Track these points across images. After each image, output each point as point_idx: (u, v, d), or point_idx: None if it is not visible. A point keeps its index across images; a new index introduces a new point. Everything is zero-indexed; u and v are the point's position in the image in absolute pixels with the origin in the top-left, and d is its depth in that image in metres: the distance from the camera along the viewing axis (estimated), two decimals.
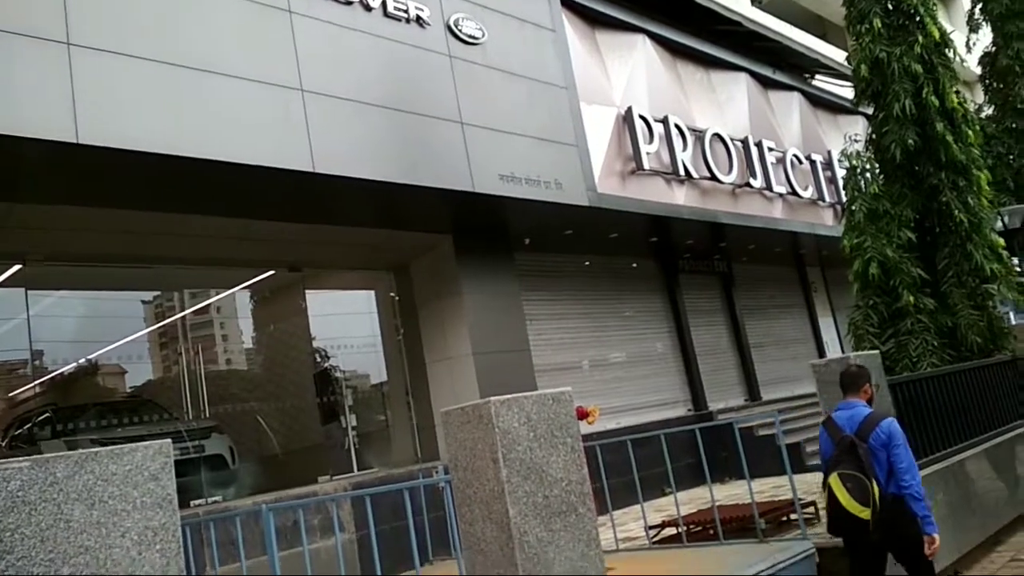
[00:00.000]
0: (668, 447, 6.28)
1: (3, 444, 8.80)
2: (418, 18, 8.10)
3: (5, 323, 9.03)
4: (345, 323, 11.02)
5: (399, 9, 7.91)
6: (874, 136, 9.03)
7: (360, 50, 7.51)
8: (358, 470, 9.07)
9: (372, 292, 10.45)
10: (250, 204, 7.40)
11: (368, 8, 7.68)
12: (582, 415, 6.13)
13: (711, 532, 6.30)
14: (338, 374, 10.43)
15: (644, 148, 10.13)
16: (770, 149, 12.40)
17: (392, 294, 10.08)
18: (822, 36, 17.30)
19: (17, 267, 7.63)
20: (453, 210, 8.82)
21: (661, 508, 7.92)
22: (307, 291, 10.30)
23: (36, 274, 7.90)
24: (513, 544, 3.22)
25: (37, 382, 10.05)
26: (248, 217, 7.67)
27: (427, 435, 9.28)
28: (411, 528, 4.38)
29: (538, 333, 10.06)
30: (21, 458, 2.10)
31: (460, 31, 8.49)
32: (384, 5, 7.80)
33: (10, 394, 10.37)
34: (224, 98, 6.36)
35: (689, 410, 12.01)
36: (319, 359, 10.84)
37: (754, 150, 12.02)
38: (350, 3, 7.52)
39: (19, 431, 8.72)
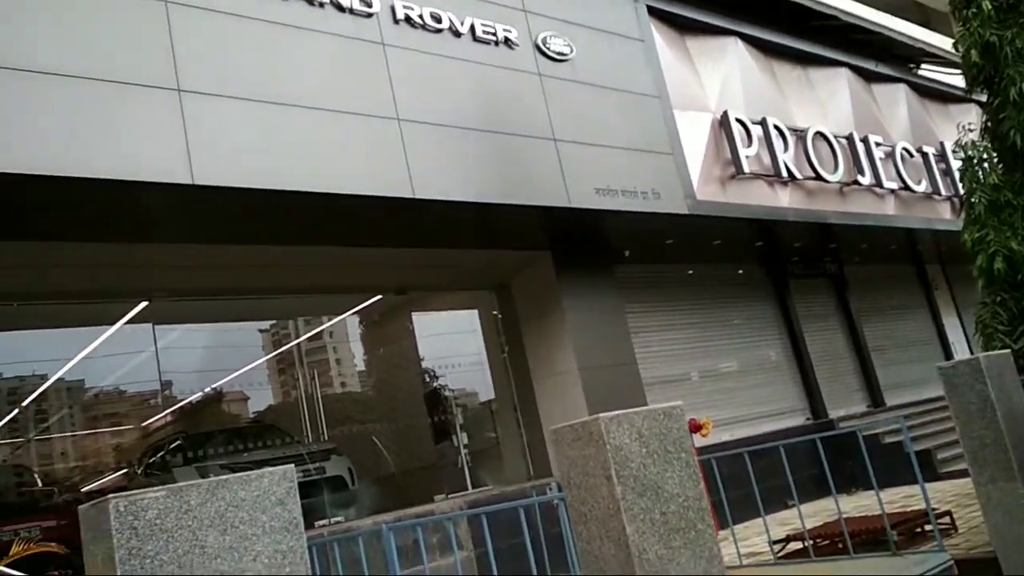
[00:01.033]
0: (788, 458, 6.07)
1: (139, 472, 9.33)
2: (506, 40, 8.19)
3: (135, 357, 9.61)
4: (451, 343, 11.21)
5: (487, 32, 8.03)
6: (990, 124, 8.50)
7: (452, 75, 7.65)
8: (472, 488, 9.16)
9: (475, 311, 10.58)
10: (355, 232, 7.64)
11: (457, 34, 7.82)
12: (695, 428, 6.01)
13: (840, 546, 6.04)
14: (447, 393, 10.60)
15: (743, 152, 9.91)
16: (877, 144, 11.90)
17: (495, 312, 10.17)
18: (925, 24, 16.50)
19: (144, 304, 8.11)
20: (550, 226, 8.85)
21: (784, 522, 7.65)
22: (413, 313, 10.54)
23: (162, 309, 8.37)
24: (633, 562, 3.17)
25: (167, 412, 10.63)
26: (354, 245, 7.91)
27: (538, 452, 9.29)
28: (528, 546, 4.38)
29: (644, 346, 9.94)
30: (157, 487, 2.22)
31: (548, 49, 8.53)
32: (473, 30, 7.92)
33: (143, 424, 11.00)
34: (325, 132, 6.59)
35: (808, 419, 11.59)
36: (428, 379, 11.06)
37: (860, 146, 11.56)
38: (439, 31, 7.68)
39: (153, 459, 9.22)
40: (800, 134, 10.82)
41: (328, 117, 6.64)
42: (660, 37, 9.95)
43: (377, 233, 7.80)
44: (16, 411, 9.85)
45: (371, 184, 6.77)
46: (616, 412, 3.40)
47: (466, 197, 7.38)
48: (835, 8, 12.20)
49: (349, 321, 11.64)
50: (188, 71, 5.86)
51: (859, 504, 8.22)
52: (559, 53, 8.62)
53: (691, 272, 11.24)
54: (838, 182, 11.06)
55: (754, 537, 7.52)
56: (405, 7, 7.41)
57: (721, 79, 10.51)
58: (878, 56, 13.31)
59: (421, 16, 7.51)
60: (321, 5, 6.82)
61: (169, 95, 5.72)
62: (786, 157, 10.42)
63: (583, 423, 3.44)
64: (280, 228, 7.11)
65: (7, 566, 3.46)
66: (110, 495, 2.15)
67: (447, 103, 7.52)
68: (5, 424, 9.73)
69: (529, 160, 7.96)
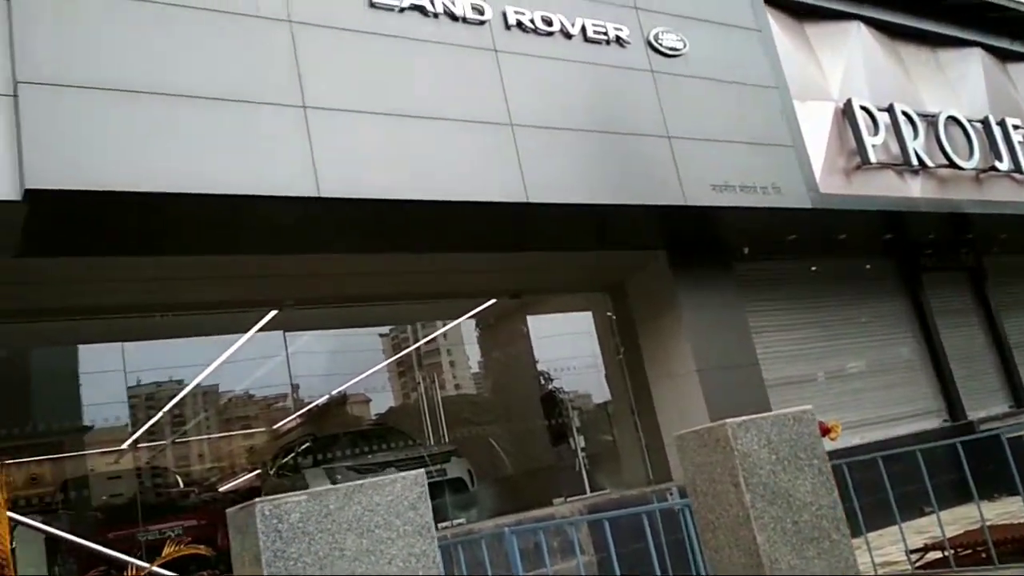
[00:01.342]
0: (924, 462, 5.76)
1: (271, 473, 9.78)
2: (618, 38, 8.12)
3: (266, 363, 10.09)
4: (566, 345, 11.21)
5: (598, 32, 7.98)
6: None
7: (564, 77, 7.65)
8: (590, 491, 9.12)
9: (590, 313, 10.54)
10: (471, 238, 7.75)
11: (568, 36, 7.81)
12: (823, 431, 5.79)
13: (983, 555, 5.68)
14: (563, 395, 10.60)
15: (869, 141, 9.46)
16: (1016, 127, 11.11)
17: (609, 313, 10.11)
18: None
19: (274, 312, 8.51)
20: (665, 225, 8.71)
21: (921, 529, 7.26)
22: (528, 316, 10.60)
23: (291, 317, 8.75)
24: (764, 572, 3.09)
25: (296, 415, 11.09)
26: (469, 251, 8.04)
27: (657, 455, 9.16)
28: (652, 552, 4.33)
29: (766, 346, 9.64)
30: (300, 492, 2.31)
31: (661, 45, 8.41)
32: (584, 31, 7.89)
33: (274, 426, 11.53)
34: (441, 141, 6.71)
35: (945, 421, 10.96)
36: (544, 381, 11.09)
37: (996, 130, 10.83)
38: (551, 34, 7.68)
39: (284, 460, 9.65)
40: (931, 120, 10.24)
41: (444, 126, 6.76)
42: (777, 25, 9.63)
43: (492, 238, 7.89)
44: (158, 415, 10.50)
45: (486, 190, 6.85)
46: (743, 417, 3.32)
47: (580, 199, 7.36)
48: None
49: (465, 324, 11.82)
50: (312, 87, 6.10)
51: (1003, 511, 7.71)
52: (672, 48, 8.48)
53: (814, 268, 10.82)
54: (973, 169, 10.40)
55: (889, 546, 7.17)
56: (516, 12, 7.46)
57: (844, 65, 10.07)
58: (1014, 34, 12.44)
59: (532, 20, 7.55)
60: (436, 16, 6.96)
61: (295, 112, 5.97)
62: (916, 144, 9.88)
63: (709, 429, 3.38)
64: (398, 236, 7.30)
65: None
66: (256, 499, 2.26)
67: (559, 105, 7.52)
68: (146, 428, 10.38)
69: (643, 159, 7.86)
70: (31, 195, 4.87)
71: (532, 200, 7.02)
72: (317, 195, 5.91)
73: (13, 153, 4.87)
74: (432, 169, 6.60)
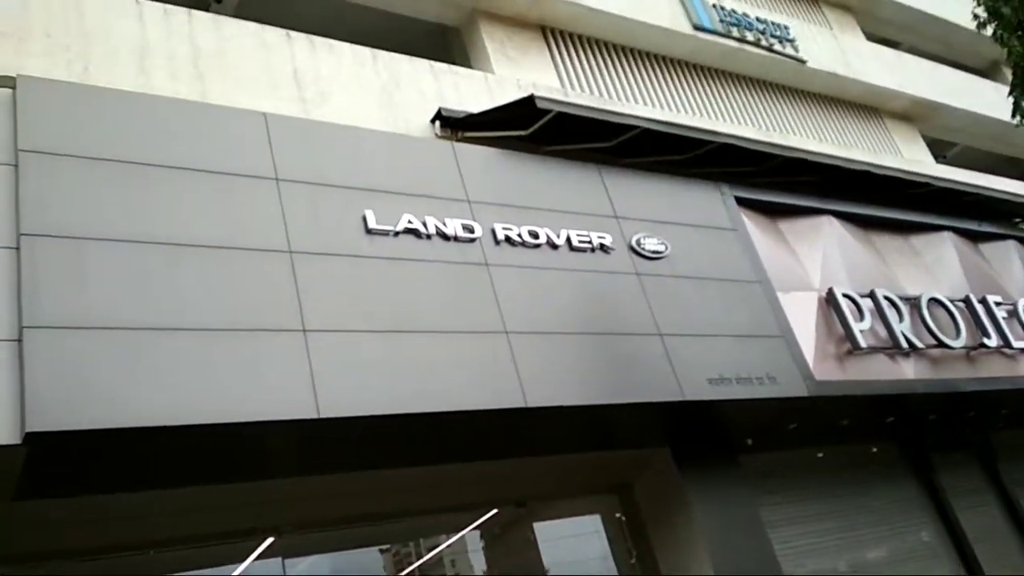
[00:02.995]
0: None
1: None
2: (602, 245, 8.48)
3: None
4: (575, 549, 10.74)
5: (583, 241, 8.35)
6: None
7: (554, 284, 7.91)
8: None
9: (598, 515, 10.21)
10: (472, 447, 7.68)
11: (554, 246, 8.16)
12: None
13: None
14: None
15: (856, 327, 9.65)
16: (998, 304, 11.41)
17: (619, 515, 9.79)
18: (1022, 177, 16.29)
19: (271, 539, 8.18)
20: (667, 421, 8.67)
21: None
22: (535, 523, 10.23)
23: (289, 543, 8.41)
24: None
25: None
26: (471, 460, 7.92)
27: None
28: None
29: (783, 540, 9.28)
30: None
31: (643, 249, 8.77)
32: (569, 241, 8.25)
33: None
34: (439, 353, 6.82)
35: None
36: None
37: (979, 308, 11.11)
38: (538, 246, 8.03)
39: None
40: (914, 302, 10.52)
41: (441, 338, 6.90)
42: (752, 224, 10.11)
43: (493, 445, 7.81)
44: None
45: (484, 398, 6.88)
46: None
47: (578, 401, 7.38)
48: (926, 176, 12.23)
49: (469, 536, 11.39)
50: (311, 311, 6.27)
51: None
52: (654, 251, 8.84)
53: (820, 455, 10.65)
54: (963, 347, 10.55)
55: None
56: (504, 228, 7.84)
57: (821, 257, 10.47)
58: (981, 216, 13.09)
59: (520, 234, 7.91)
60: (428, 237, 7.30)
61: (295, 336, 6.10)
62: (903, 327, 10.07)
63: None
64: (397, 450, 7.23)
65: None
66: None
67: (552, 311, 7.73)
68: None
69: (637, 357, 7.97)
70: (31, 438, 4.85)
71: (531, 404, 7.03)
72: (317, 416, 5.91)
73: (15, 397, 4.90)
74: (431, 381, 6.65)
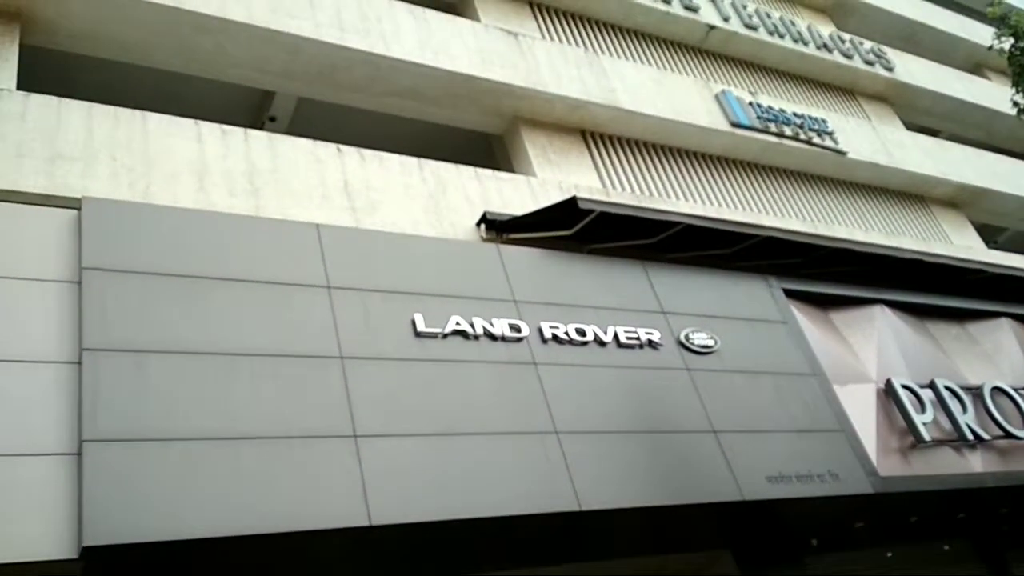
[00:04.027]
0: None
1: None
2: (650, 342, 8.42)
3: None
4: None
5: (631, 338, 8.31)
6: None
7: (602, 382, 7.84)
8: None
9: None
10: (525, 553, 7.47)
11: (602, 344, 8.13)
12: None
13: None
14: None
15: (918, 419, 9.32)
16: None
17: None
18: None
19: None
20: (726, 523, 8.37)
21: None
22: None
23: None
24: None
25: None
26: (524, 566, 7.69)
27: None
28: None
29: None
30: None
31: (692, 344, 8.68)
32: (616, 338, 8.22)
33: None
34: (489, 455, 6.75)
35: None
36: None
37: None
38: (585, 343, 8.02)
39: None
40: (976, 392, 10.17)
41: (491, 440, 6.84)
42: (802, 316, 9.97)
43: (545, 551, 7.60)
44: None
45: (536, 502, 6.74)
46: None
47: (633, 503, 7.19)
48: (979, 262, 12.02)
49: None
50: (362, 416, 6.30)
51: None
52: (704, 346, 8.74)
53: (890, 554, 10.15)
54: None
55: None
56: (551, 327, 7.86)
57: (876, 347, 10.24)
58: None
59: (567, 332, 7.92)
60: (476, 338, 7.36)
61: (346, 442, 6.11)
62: (967, 418, 9.71)
63: None
64: (445, 559, 7.07)
65: None
66: None
67: (601, 409, 7.63)
68: None
69: (693, 456, 7.78)
70: (88, 553, 4.87)
71: (584, 508, 6.87)
72: (368, 524, 5.85)
73: (73, 511, 4.96)
74: (481, 485, 6.56)
